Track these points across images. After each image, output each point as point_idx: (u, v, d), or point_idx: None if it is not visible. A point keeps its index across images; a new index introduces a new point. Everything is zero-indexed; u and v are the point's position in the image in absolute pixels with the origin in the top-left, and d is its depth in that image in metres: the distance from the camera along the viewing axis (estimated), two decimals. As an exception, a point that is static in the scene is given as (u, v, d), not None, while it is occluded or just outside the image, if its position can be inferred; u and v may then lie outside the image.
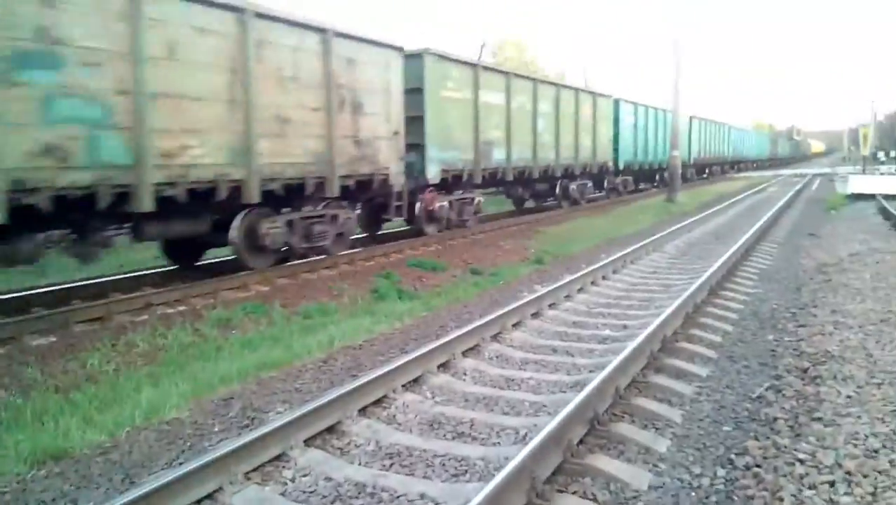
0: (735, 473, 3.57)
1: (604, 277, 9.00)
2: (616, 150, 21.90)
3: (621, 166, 22.45)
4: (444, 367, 5.37)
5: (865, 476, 3.36)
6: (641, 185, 27.92)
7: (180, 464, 3.79)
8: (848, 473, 3.40)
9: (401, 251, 11.35)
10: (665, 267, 10.12)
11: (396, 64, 11.16)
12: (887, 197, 19.79)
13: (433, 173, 12.40)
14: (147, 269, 9.81)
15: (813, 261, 10.13)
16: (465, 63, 13.48)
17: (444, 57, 12.64)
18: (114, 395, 5.10)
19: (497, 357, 5.76)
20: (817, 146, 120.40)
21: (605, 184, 22.52)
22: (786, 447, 3.76)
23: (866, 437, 3.79)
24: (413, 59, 11.83)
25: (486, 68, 14.36)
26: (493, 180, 15.34)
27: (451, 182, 13.23)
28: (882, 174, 29.88)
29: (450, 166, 12.91)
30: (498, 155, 14.75)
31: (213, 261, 10.15)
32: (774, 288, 8.32)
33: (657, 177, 28.76)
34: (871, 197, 20.47)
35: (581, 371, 5.31)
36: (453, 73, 12.96)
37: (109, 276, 9.08)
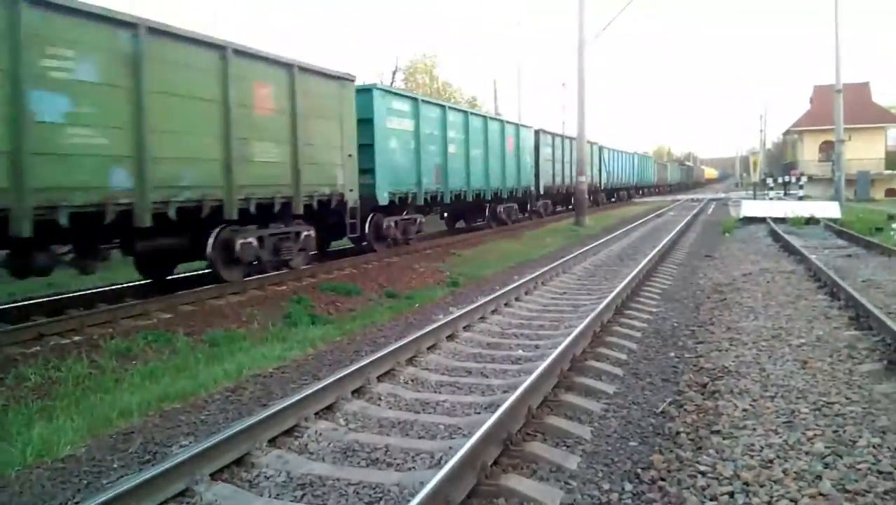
0: (641, 487, 3.68)
1: (517, 299, 9.16)
2: (372, 172, 13.16)
3: (384, 200, 13.55)
4: (358, 392, 5.30)
5: (762, 486, 3.55)
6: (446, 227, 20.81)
7: (76, 504, 3.55)
8: (746, 483, 3.58)
9: (314, 275, 11.17)
10: (574, 288, 10.42)
11: None
12: (776, 220, 21.20)
13: None
14: (40, 297, 9.20)
15: (709, 281, 10.69)
16: None
17: None
18: (2, 432, 4.74)
19: (412, 381, 5.74)
20: (710, 172, 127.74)
21: (355, 229, 12.43)
22: (688, 460, 3.92)
23: (762, 448, 4.01)
24: None
25: None
26: None
27: None
28: (771, 199, 32.01)
29: None
30: None
31: (105, 288, 9.65)
32: (675, 307, 8.71)
33: (487, 212, 20.59)
34: (762, 220, 21.88)
35: (495, 392, 5.36)
36: None
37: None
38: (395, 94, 14.83)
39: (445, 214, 20.47)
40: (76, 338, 7.07)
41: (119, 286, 9.86)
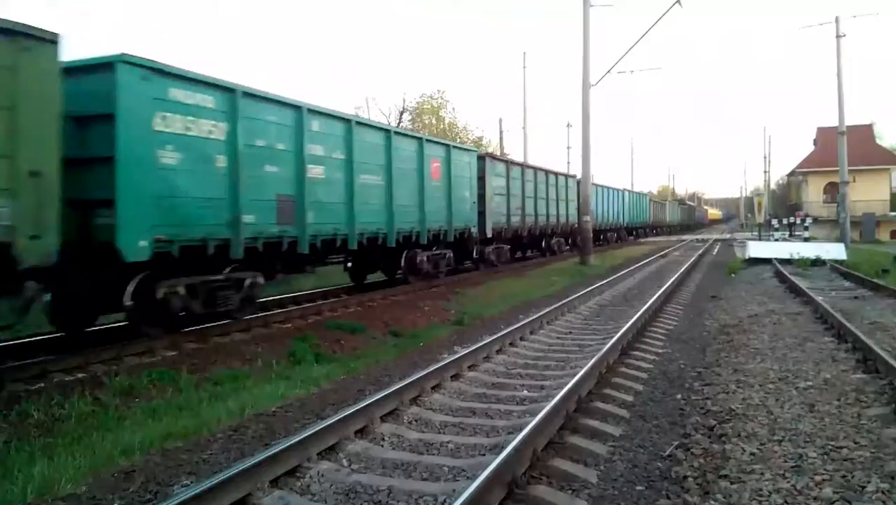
0: (649, 532, 3.63)
1: (522, 338, 9.12)
2: (113, 205, 7.40)
3: (140, 253, 7.62)
4: (361, 432, 5.26)
5: (769, 531, 3.49)
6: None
7: (73, 545, 3.51)
8: (753, 528, 3.52)
9: (319, 313, 11.17)
10: (579, 328, 10.38)
11: None
12: (782, 261, 21.17)
13: None
14: (44, 333, 9.21)
15: (716, 322, 10.64)
16: None
17: None
18: (3, 469, 4.72)
19: (416, 421, 5.69)
20: (714, 212, 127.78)
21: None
22: (695, 505, 3.87)
23: (770, 493, 3.95)
24: None
25: None
26: None
27: None
28: (776, 240, 32.02)
29: None
30: None
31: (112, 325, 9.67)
32: (681, 348, 8.66)
33: (403, 262, 14.76)
34: (768, 261, 21.86)
35: (500, 433, 5.31)
36: None
37: (1, 341, 8.47)
38: (181, 76, 8.35)
39: (349, 265, 14.86)
40: (80, 375, 7.07)
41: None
